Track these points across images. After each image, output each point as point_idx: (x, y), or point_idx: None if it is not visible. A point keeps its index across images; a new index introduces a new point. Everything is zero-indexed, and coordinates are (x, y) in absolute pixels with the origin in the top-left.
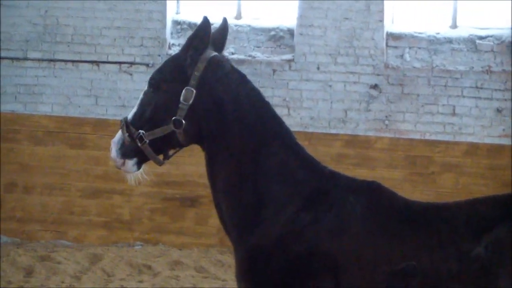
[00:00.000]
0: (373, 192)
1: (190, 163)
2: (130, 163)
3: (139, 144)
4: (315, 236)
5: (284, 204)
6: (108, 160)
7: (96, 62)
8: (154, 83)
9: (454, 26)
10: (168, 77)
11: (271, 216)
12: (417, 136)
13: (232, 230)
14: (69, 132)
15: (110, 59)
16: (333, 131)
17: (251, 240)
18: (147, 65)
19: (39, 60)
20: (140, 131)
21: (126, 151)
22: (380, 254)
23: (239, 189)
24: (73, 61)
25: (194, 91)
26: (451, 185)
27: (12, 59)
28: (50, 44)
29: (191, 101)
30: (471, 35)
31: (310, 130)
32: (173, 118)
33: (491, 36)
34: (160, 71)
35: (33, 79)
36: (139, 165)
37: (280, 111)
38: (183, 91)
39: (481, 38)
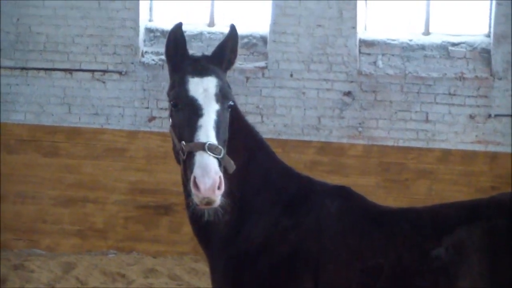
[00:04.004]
0: (345, 196)
1: (164, 171)
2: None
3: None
4: (296, 239)
5: (266, 212)
6: (82, 168)
7: (69, 70)
8: (228, 100)
9: (427, 33)
10: (232, 92)
11: (254, 223)
12: (390, 143)
13: (216, 240)
14: (42, 141)
15: (83, 67)
16: (307, 138)
17: (234, 249)
18: (120, 73)
19: (11, 68)
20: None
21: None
22: (352, 253)
23: (231, 203)
24: (45, 69)
25: None
26: (425, 192)
27: None
28: (22, 52)
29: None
30: (444, 42)
31: (284, 137)
32: (228, 136)
33: (464, 43)
34: (228, 87)
35: (6, 87)
36: None
37: (253, 119)
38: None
39: (453, 44)
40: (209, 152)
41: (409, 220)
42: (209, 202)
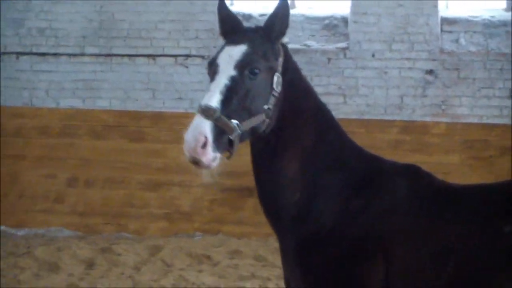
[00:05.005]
0: (413, 175)
1: (247, 153)
2: (219, 157)
3: (231, 137)
4: (367, 221)
5: (336, 192)
6: (168, 153)
7: (152, 56)
8: (251, 68)
9: (508, 9)
10: (267, 63)
11: (324, 204)
12: (474, 120)
13: (286, 220)
14: (128, 126)
15: (166, 52)
16: (390, 118)
17: (305, 229)
18: (202, 57)
19: (96, 55)
20: (234, 120)
21: (221, 144)
22: (424, 233)
23: (301, 181)
24: (129, 56)
25: (280, 77)
26: (510, 168)
27: (70, 55)
28: (106, 39)
29: (279, 89)
30: None
31: (367, 117)
32: (266, 107)
33: None
34: (257, 55)
35: (91, 74)
36: None
37: (336, 99)
38: (275, 77)
39: None
40: (200, 114)
41: (479, 197)
42: (195, 162)
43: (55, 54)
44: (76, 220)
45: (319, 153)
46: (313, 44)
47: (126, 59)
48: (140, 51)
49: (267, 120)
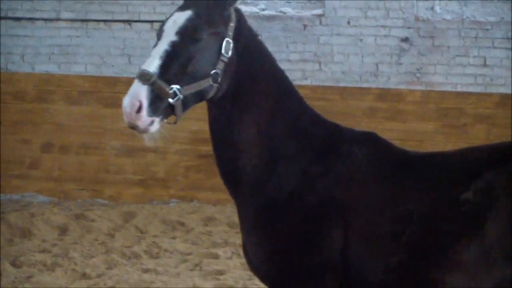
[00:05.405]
0: (373, 142)
1: None
2: (157, 121)
3: (172, 101)
4: (326, 186)
5: (295, 159)
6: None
7: (128, 21)
8: (193, 33)
9: None
10: (213, 29)
11: (283, 170)
12: (448, 88)
13: (244, 186)
14: (103, 92)
15: (142, 18)
16: (365, 85)
17: (263, 195)
18: None
19: (72, 20)
20: (174, 86)
21: (157, 109)
22: (383, 200)
23: (259, 146)
24: (105, 21)
25: (232, 43)
26: (484, 137)
27: (45, 20)
28: (82, 4)
29: (230, 54)
30: None
31: (342, 84)
32: (213, 71)
33: None
34: (201, 21)
35: (67, 39)
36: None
37: (311, 66)
38: (224, 42)
39: None
40: (137, 79)
41: (438, 165)
42: (132, 126)
43: (30, 19)
44: (51, 185)
45: (277, 119)
46: (289, 10)
47: (102, 25)
48: (116, 17)
49: (215, 85)
